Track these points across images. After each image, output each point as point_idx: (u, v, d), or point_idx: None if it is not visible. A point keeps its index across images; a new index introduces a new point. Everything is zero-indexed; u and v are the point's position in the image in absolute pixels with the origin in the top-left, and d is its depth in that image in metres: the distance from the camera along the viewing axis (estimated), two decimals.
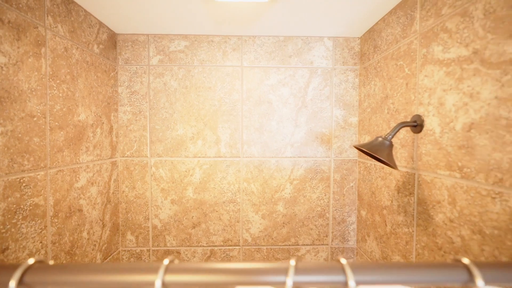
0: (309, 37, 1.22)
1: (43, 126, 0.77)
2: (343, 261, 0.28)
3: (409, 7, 0.85)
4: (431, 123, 0.75)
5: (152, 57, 1.19)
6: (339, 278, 0.27)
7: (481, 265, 0.28)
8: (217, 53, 1.20)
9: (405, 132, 0.87)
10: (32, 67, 0.73)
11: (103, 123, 1.08)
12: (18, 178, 0.68)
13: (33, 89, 0.73)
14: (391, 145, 0.79)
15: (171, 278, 0.27)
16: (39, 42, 0.76)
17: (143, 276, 0.27)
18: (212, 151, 1.22)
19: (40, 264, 0.27)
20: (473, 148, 0.61)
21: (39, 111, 0.75)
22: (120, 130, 1.20)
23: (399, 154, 0.90)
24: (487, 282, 0.28)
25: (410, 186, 0.85)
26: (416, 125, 0.81)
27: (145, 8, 0.96)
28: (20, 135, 0.69)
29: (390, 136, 0.79)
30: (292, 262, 0.28)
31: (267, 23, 1.09)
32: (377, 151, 0.78)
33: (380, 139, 0.80)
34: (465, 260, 0.29)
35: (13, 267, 0.27)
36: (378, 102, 1.05)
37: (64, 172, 0.86)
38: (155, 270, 0.27)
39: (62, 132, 0.85)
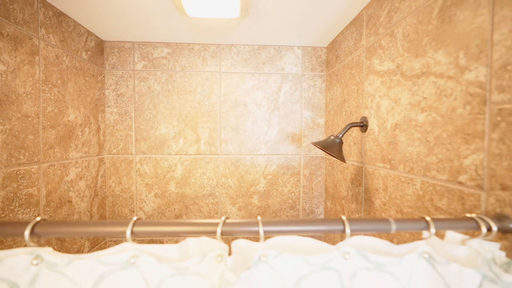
0: (281, 46, 1.35)
1: (37, 125, 0.87)
2: (259, 218, 0.41)
3: (359, 24, 1.00)
4: (372, 123, 0.89)
5: (137, 63, 1.30)
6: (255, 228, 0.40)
7: (350, 221, 0.41)
8: (197, 60, 1.32)
9: (356, 132, 1.02)
10: (27, 73, 0.83)
11: (91, 123, 1.18)
12: (15, 170, 0.79)
13: (28, 93, 0.83)
14: (341, 143, 0.93)
15: (137, 229, 0.39)
16: (33, 51, 0.86)
17: (118, 228, 0.39)
18: (192, 149, 1.34)
19: (45, 221, 0.39)
20: (397, 144, 0.75)
21: (33, 112, 0.86)
22: (107, 130, 1.30)
23: (352, 151, 1.05)
24: (353, 231, 0.41)
25: (359, 177, 0.99)
26: (363, 125, 0.95)
27: (130, 18, 1.08)
28: (17, 133, 0.79)
29: (341, 135, 0.93)
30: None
31: (241, 34, 1.22)
32: (328, 147, 0.92)
33: (332, 137, 0.94)
34: (343, 217, 0.42)
35: (25, 223, 0.38)
36: (338, 105, 1.20)
37: (55, 167, 0.96)
38: (126, 224, 0.39)
39: (53, 131, 0.95)
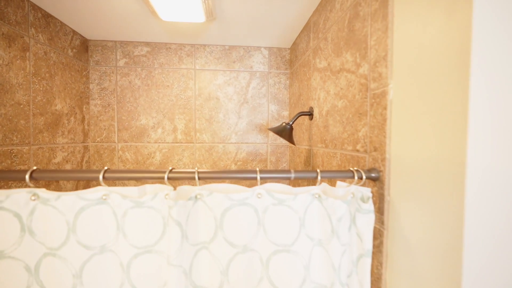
0: (249, 46, 1.52)
1: (28, 112, 1.01)
2: (196, 169, 0.57)
3: (308, 29, 1.18)
4: (315, 112, 1.08)
5: (119, 60, 1.45)
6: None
7: (261, 171, 0.59)
8: (174, 58, 1.48)
9: (307, 120, 1.20)
10: (19, 67, 0.97)
11: (76, 113, 1.32)
12: (9, 149, 0.92)
13: (20, 84, 0.97)
14: (291, 129, 1.11)
15: (108, 175, 0.55)
16: (24, 48, 1.00)
17: (94, 174, 0.55)
18: (170, 137, 1.49)
19: (39, 169, 0.54)
20: (328, 127, 0.93)
21: (24, 100, 0.99)
22: (91, 120, 1.44)
23: (305, 136, 1.23)
24: (264, 178, 0.58)
25: (309, 158, 1.17)
26: (310, 114, 1.13)
27: (112, 20, 1.22)
28: (10, 118, 0.93)
29: (291, 122, 1.11)
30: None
31: (213, 35, 1.38)
32: (281, 133, 1.10)
33: (284, 124, 1.12)
34: (257, 169, 0.59)
35: (26, 170, 0.54)
36: (296, 98, 1.38)
37: (44, 149, 1.10)
38: (99, 171, 0.55)
39: (42, 118, 1.09)
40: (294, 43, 1.43)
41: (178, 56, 1.48)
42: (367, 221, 0.58)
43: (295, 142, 1.39)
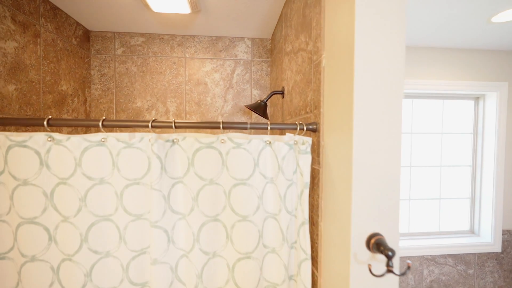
0: (234, 37, 1.70)
1: (39, 89, 1.19)
2: (173, 119, 0.75)
3: (282, 19, 1.35)
4: (285, 90, 1.25)
5: (117, 49, 1.62)
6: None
7: (224, 122, 0.76)
8: (166, 47, 1.65)
9: (281, 98, 1.37)
10: (32, 50, 1.15)
11: (79, 95, 1.49)
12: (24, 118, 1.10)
13: (32, 65, 1.15)
14: (265, 105, 1.28)
15: (106, 123, 0.72)
16: (36, 34, 1.17)
17: (95, 122, 0.72)
18: (163, 119, 1.66)
19: (54, 118, 0.72)
20: (292, 101, 1.11)
21: (36, 79, 1.17)
22: (92, 102, 1.62)
23: (279, 113, 1.40)
24: (226, 128, 0.75)
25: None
26: (282, 93, 1.31)
27: (111, 12, 1.40)
28: (25, 92, 1.11)
29: (265, 100, 1.28)
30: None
31: (201, 27, 1.55)
32: (256, 109, 1.27)
33: (259, 101, 1.29)
34: (221, 120, 0.76)
35: (43, 118, 0.71)
36: (275, 82, 1.55)
37: None
38: (99, 120, 0.72)
39: (50, 96, 1.26)
40: (274, 33, 1.60)
41: (170, 45, 1.65)
42: (306, 160, 0.76)
43: (271, 119, 1.56)
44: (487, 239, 1.96)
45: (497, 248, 1.94)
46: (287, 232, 0.77)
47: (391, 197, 0.58)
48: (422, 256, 1.90)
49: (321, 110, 0.76)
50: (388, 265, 0.51)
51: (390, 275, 0.56)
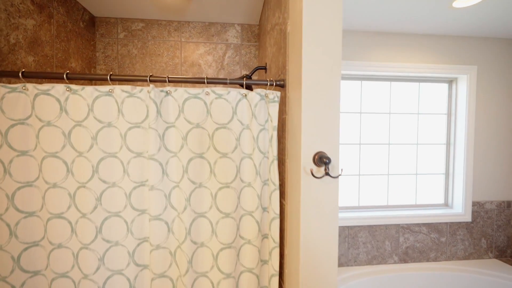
0: (225, 23, 1.87)
1: (52, 63, 1.37)
2: (167, 75, 0.93)
3: (266, 5, 1.53)
4: (267, 65, 1.43)
5: (119, 33, 1.80)
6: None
7: (208, 78, 0.94)
8: (164, 32, 1.83)
9: (264, 73, 1.55)
10: (47, 29, 1.33)
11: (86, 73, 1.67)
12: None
13: (47, 41, 1.33)
14: (250, 78, 1.46)
15: (113, 77, 0.90)
16: (50, 15, 1.35)
17: (104, 76, 0.90)
18: None
19: (71, 72, 0.90)
20: (271, 71, 1.28)
21: (50, 54, 1.35)
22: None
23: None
24: (210, 83, 0.93)
25: None
26: (265, 68, 1.48)
27: (115, 0, 1.57)
28: (41, 64, 1.29)
29: (250, 74, 1.46)
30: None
31: (194, 13, 1.73)
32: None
33: (244, 75, 1.47)
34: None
35: (62, 72, 0.89)
36: (261, 62, 1.73)
37: None
38: (107, 74, 0.90)
39: (62, 70, 1.44)
40: (260, 19, 1.78)
41: (167, 30, 1.83)
42: (274, 108, 0.94)
43: None
44: (459, 210, 2.14)
45: (468, 218, 2.11)
46: (259, 168, 0.95)
47: (331, 126, 0.76)
48: (398, 225, 2.07)
49: (287, 68, 0.94)
50: (325, 169, 0.69)
51: (327, 177, 0.74)
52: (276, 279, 0.95)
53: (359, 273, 1.94)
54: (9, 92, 0.87)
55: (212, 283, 0.93)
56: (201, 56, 1.86)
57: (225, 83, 0.95)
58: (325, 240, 0.76)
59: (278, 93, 0.96)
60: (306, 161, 0.75)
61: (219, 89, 0.95)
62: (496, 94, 2.12)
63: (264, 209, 0.98)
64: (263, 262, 1.00)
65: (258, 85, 0.97)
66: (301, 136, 0.75)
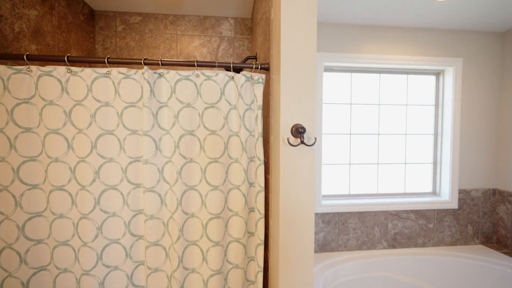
0: (219, 17, 1.95)
1: (53, 53, 1.44)
2: (160, 58, 1.00)
3: (256, 0, 1.61)
4: (257, 54, 1.50)
5: (118, 26, 1.88)
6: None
7: (219, 62, 1.02)
8: (160, 25, 1.91)
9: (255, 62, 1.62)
10: (48, 20, 1.40)
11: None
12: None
13: (49, 31, 1.40)
14: (241, 69, 1.54)
15: (110, 59, 0.98)
16: (51, 7, 1.43)
17: (102, 59, 0.97)
18: None
19: (72, 55, 0.97)
20: (260, 58, 1.36)
21: (51, 44, 1.43)
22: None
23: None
24: (200, 67, 1.01)
25: None
26: (255, 57, 1.56)
27: None
28: (43, 53, 1.36)
29: (241, 64, 1.54)
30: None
31: (190, 7, 1.81)
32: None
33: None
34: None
35: (63, 55, 0.96)
36: (252, 52, 1.81)
37: None
38: (105, 57, 0.98)
39: None
40: (252, 13, 1.86)
41: (163, 24, 1.91)
42: (259, 89, 1.01)
43: None
44: (446, 198, 2.21)
45: (454, 205, 2.19)
46: (245, 145, 1.03)
47: (307, 101, 0.84)
48: (387, 211, 2.15)
49: (271, 52, 1.02)
50: (301, 138, 0.77)
51: (303, 146, 0.82)
52: (261, 249, 1.03)
53: (348, 258, 2.02)
54: (14, 73, 0.95)
55: (201, 250, 1.01)
56: (196, 48, 1.94)
57: (213, 66, 1.03)
58: (302, 204, 0.84)
59: (263, 76, 1.03)
60: (284, 133, 0.83)
61: (209, 71, 1.03)
62: (481, 85, 2.20)
63: (251, 184, 1.06)
64: (250, 233, 1.07)
65: (245, 68, 1.04)
66: (280, 110, 0.83)
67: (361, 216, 2.12)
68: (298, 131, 0.79)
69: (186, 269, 1.00)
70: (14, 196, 0.96)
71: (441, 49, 2.16)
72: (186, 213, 1.00)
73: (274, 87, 0.96)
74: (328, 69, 2.16)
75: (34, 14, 1.30)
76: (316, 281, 1.74)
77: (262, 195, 1.03)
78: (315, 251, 2.09)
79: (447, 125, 2.22)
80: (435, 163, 2.32)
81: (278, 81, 0.87)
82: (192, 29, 1.93)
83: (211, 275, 1.00)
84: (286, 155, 0.83)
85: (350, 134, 2.23)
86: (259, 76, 1.02)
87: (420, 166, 2.32)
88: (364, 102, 2.24)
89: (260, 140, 1.02)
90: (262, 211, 1.02)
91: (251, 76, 1.02)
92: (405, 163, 2.31)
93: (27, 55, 0.95)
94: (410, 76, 2.28)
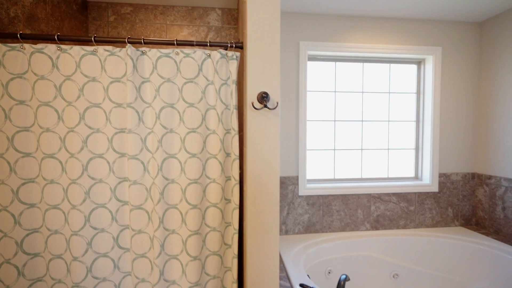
0: (207, 7, 2.04)
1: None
2: (142, 37, 1.10)
3: None
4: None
5: (110, 16, 1.97)
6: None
7: (197, 41, 1.11)
8: (150, 15, 2.00)
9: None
10: (42, 7, 1.50)
11: None
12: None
13: (43, 18, 1.50)
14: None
15: (97, 38, 1.07)
16: None
17: (88, 38, 1.07)
18: None
19: (62, 34, 1.06)
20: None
21: (45, 30, 1.52)
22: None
23: None
24: (179, 45, 1.10)
25: None
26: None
27: None
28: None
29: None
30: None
31: None
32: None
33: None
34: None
35: (53, 34, 1.06)
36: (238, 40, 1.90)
37: None
38: (91, 36, 1.07)
39: None
40: (238, 3, 1.95)
41: (153, 14, 2.01)
42: (234, 65, 1.11)
43: None
44: (427, 181, 2.30)
45: (435, 188, 2.28)
46: (221, 117, 1.12)
47: (271, 71, 0.93)
48: (370, 194, 2.24)
49: (244, 32, 1.11)
50: (263, 102, 0.86)
51: (266, 110, 0.91)
52: (236, 212, 1.12)
53: (332, 238, 2.11)
54: (9, 50, 1.04)
55: (181, 213, 1.10)
56: (184, 37, 2.03)
57: (192, 45, 1.12)
58: (269, 164, 0.93)
59: (238, 53, 1.13)
60: (251, 99, 0.92)
61: (187, 49, 1.12)
62: (460, 73, 2.29)
63: (228, 154, 1.15)
64: (227, 200, 1.17)
65: (221, 46, 1.14)
66: (247, 79, 0.92)
67: (345, 199, 2.21)
68: (262, 97, 0.88)
69: (166, 230, 1.09)
70: (9, 163, 1.05)
71: (422, 38, 2.25)
72: (166, 179, 1.09)
73: (246, 62, 1.05)
74: (312, 58, 2.25)
75: (28, 1, 1.39)
76: (297, 258, 1.82)
77: (237, 163, 1.12)
78: (300, 232, 2.18)
79: (427, 112, 2.31)
80: (417, 148, 2.41)
81: (247, 55, 0.96)
82: (181, 19, 2.03)
83: (190, 235, 1.09)
84: (253, 119, 0.92)
85: (335, 120, 2.32)
86: (233, 53, 1.11)
87: (403, 152, 2.41)
88: (348, 90, 2.33)
89: (235, 112, 1.11)
90: (237, 178, 1.12)
91: (226, 53, 1.12)
92: (388, 149, 2.40)
93: (20, 34, 1.05)
94: (392, 65, 2.37)
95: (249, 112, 0.92)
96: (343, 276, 1.33)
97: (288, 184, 2.14)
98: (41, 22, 1.48)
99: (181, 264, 1.09)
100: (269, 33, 0.92)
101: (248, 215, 0.96)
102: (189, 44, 1.12)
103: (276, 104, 0.87)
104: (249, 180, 0.94)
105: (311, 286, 1.35)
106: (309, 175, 2.30)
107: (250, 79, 0.91)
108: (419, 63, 2.38)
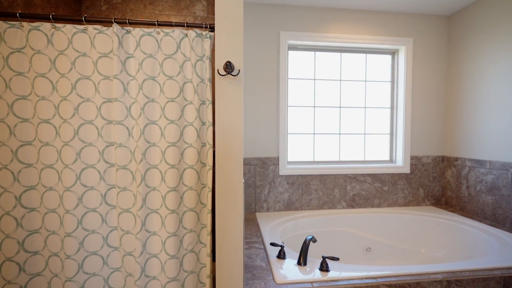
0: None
1: None
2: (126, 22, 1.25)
3: None
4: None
5: (102, 6, 2.12)
6: None
7: (176, 23, 1.27)
8: (140, 5, 2.15)
9: None
10: None
11: None
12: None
13: (39, 4, 1.64)
14: None
15: (87, 18, 1.22)
16: None
17: (80, 18, 1.22)
18: None
19: (57, 14, 1.21)
20: None
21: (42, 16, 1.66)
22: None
23: None
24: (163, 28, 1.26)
25: None
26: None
27: None
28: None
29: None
30: None
31: None
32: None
33: None
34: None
35: (49, 14, 1.21)
36: None
37: None
38: (82, 16, 1.22)
39: None
40: None
41: (143, 4, 2.15)
42: (208, 43, 1.26)
43: None
44: (400, 163, 2.47)
45: (407, 170, 2.45)
46: (197, 89, 1.27)
47: (235, 43, 1.08)
48: (346, 175, 2.40)
49: (215, 14, 1.26)
50: (227, 69, 1.01)
51: (230, 76, 1.06)
52: (210, 173, 1.27)
53: (309, 214, 2.27)
54: (9, 27, 1.19)
55: (160, 172, 1.25)
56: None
57: (171, 25, 1.28)
58: (233, 126, 1.09)
59: (211, 33, 1.28)
60: (218, 66, 1.08)
61: (167, 29, 1.27)
62: (430, 63, 2.46)
63: (203, 123, 1.31)
64: (203, 164, 1.32)
65: (197, 27, 1.29)
66: (215, 51, 1.08)
67: (322, 178, 2.37)
68: (227, 66, 1.04)
69: (148, 187, 1.24)
70: (9, 126, 1.20)
71: (395, 30, 2.42)
72: (148, 142, 1.25)
73: (219, 44, 1.21)
74: (293, 48, 2.41)
75: None
76: (275, 229, 1.98)
77: (210, 130, 1.27)
78: (281, 210, 2.33)
79: (401, 99, 2.48)
80: (392, 134, 2.58)
81: (215, 31, 1.12)
82: (168, 9, 2.18)
83: (168, 191, 1.24)
84: (220, 86, 1.07)
85: (314, 106, 2.48)
86: (208, 33, 1.26)
87: (380, 137, 2.58)
88: (327, 78, 2.49)
89: (209, 85, 1.27)
90: (211, 142, 1.27)
91: (201, 33, 1.27)
92: (365, 134, 2.57)
93: (19, 13, 1.19)
94: (369, 55, 2.54)
95: (217, 80, 1.07)
96: (309, 237, 1.49)
97: (269, 164, 2.30)
98: (38, 8, 1.62)
99: (161, 217, 1.25)
100: (234, 13, 1.08)
101: (217, 174, 1.11)
102: (169, 24, 1.27)
103: (238, 71, 1.03)
104: (217, 142, 1.09)
105: (279, 243, 1.50)
106: (290, 158, 2.46)
107: (218, 51, 1.07)
108: (393, 53, 2.55)
